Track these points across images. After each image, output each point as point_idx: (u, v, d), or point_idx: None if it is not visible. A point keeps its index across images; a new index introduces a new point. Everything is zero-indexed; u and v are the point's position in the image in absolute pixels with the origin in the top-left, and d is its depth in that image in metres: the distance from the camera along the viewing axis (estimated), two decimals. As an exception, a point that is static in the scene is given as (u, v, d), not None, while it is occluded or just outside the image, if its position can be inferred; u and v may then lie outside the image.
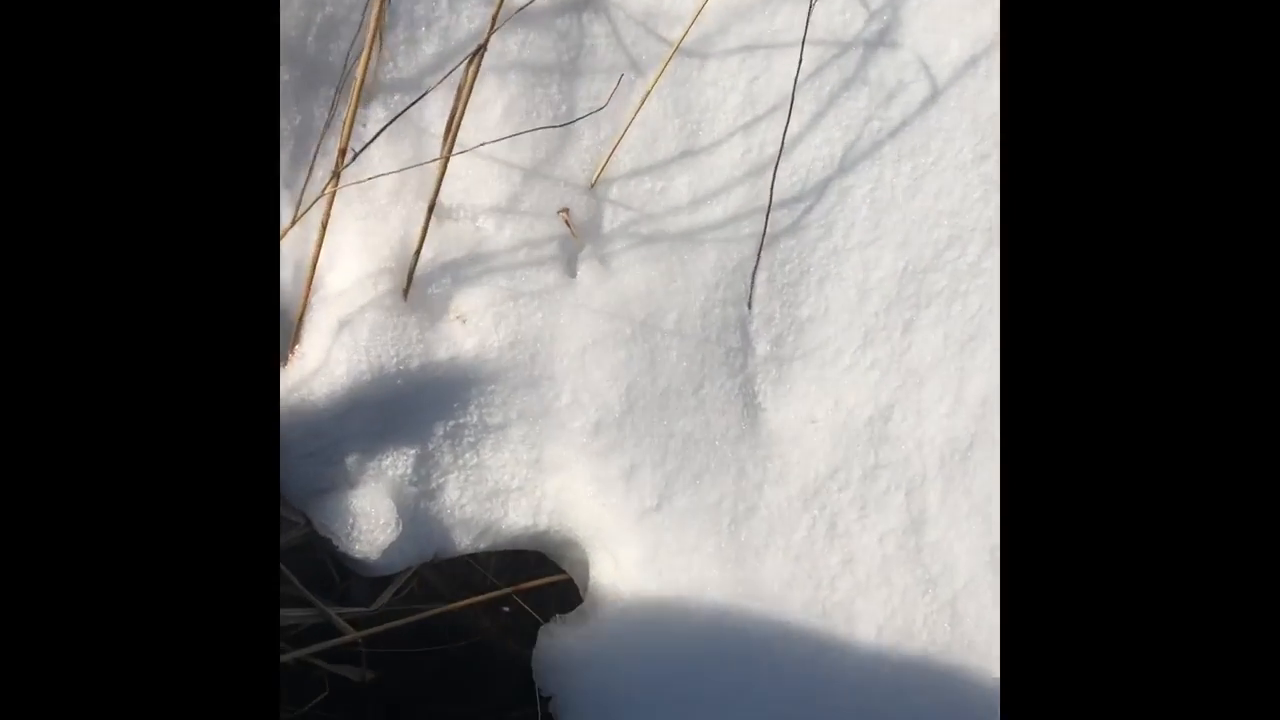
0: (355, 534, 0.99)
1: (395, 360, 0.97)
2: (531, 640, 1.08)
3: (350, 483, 1.00)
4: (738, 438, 1.08)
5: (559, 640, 1.06)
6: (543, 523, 1.07)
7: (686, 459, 1.06)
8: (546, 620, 1.09)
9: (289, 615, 0.99)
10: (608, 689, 1.04)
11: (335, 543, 0.99)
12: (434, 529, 1.03)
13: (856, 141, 1.09)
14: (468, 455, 1.03)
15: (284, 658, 0.99)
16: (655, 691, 1.04)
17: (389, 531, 1.00)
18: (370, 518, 0.99)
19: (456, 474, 1.03)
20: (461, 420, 1.02)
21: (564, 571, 1.14)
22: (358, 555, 0.99)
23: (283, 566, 0.99)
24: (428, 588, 1.12)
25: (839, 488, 1.09)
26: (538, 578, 1.13)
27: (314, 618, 1.01)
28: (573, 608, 1.09)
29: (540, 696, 1.05)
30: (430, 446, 1.02)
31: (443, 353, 1.00)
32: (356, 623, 1.03)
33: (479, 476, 1.03)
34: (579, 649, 1.05)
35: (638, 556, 1.05)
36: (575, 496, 1.06)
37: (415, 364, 0.98)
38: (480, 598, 1.11)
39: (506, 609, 1.13)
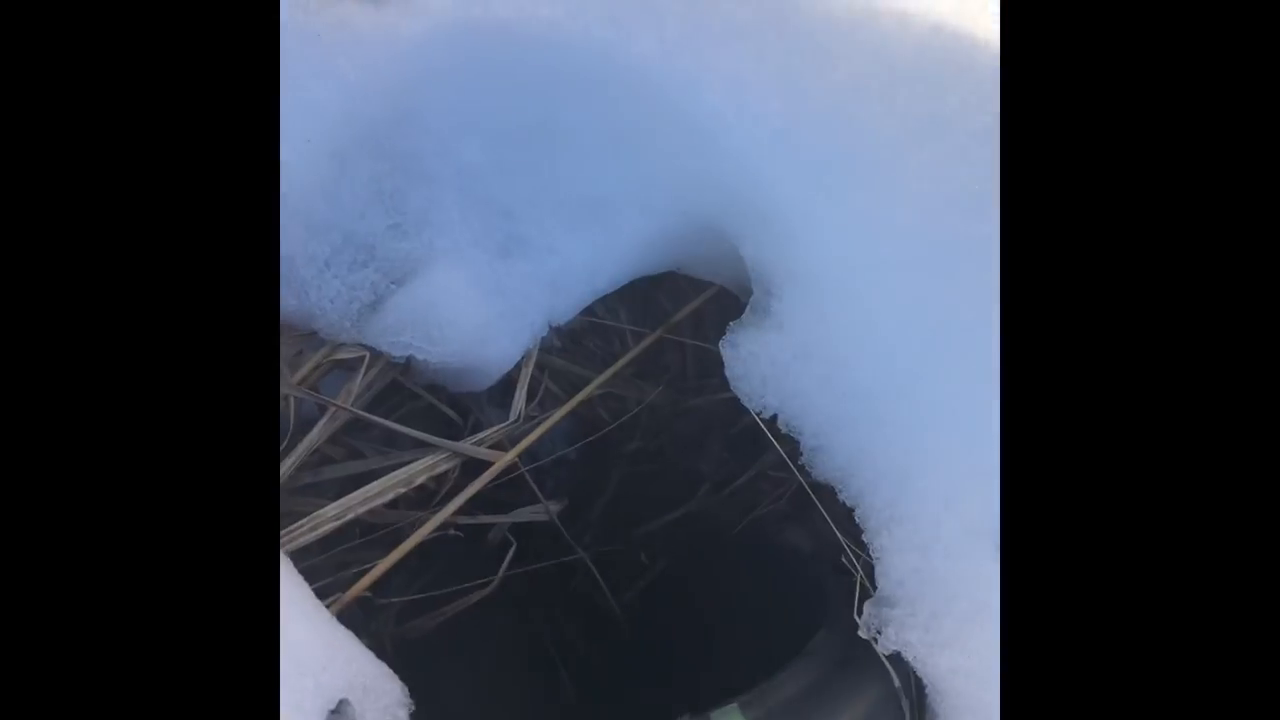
0: (439, 331, 0.71)
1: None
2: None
3: (395, 275, 0.72)
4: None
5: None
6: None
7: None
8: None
9: (413, 470, 0.72)
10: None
11: (417, 355, 0.71)
12: (533, 289, 0.76)
13: None
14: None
15: (437, 529, 0.73)
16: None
17: (478, 311, 0.72)
18: (446, 302, 0.71)
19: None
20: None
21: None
22: (454, 358, 0.72)
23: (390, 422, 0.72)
24: (560, 377, 0.86)
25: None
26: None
27: (444, 461, 0.74)
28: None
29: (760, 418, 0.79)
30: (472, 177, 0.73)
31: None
32: (501, 444, 0.77)
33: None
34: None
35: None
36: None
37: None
38: (627, 357, 0.84)
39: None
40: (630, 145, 0.75)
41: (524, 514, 0.82)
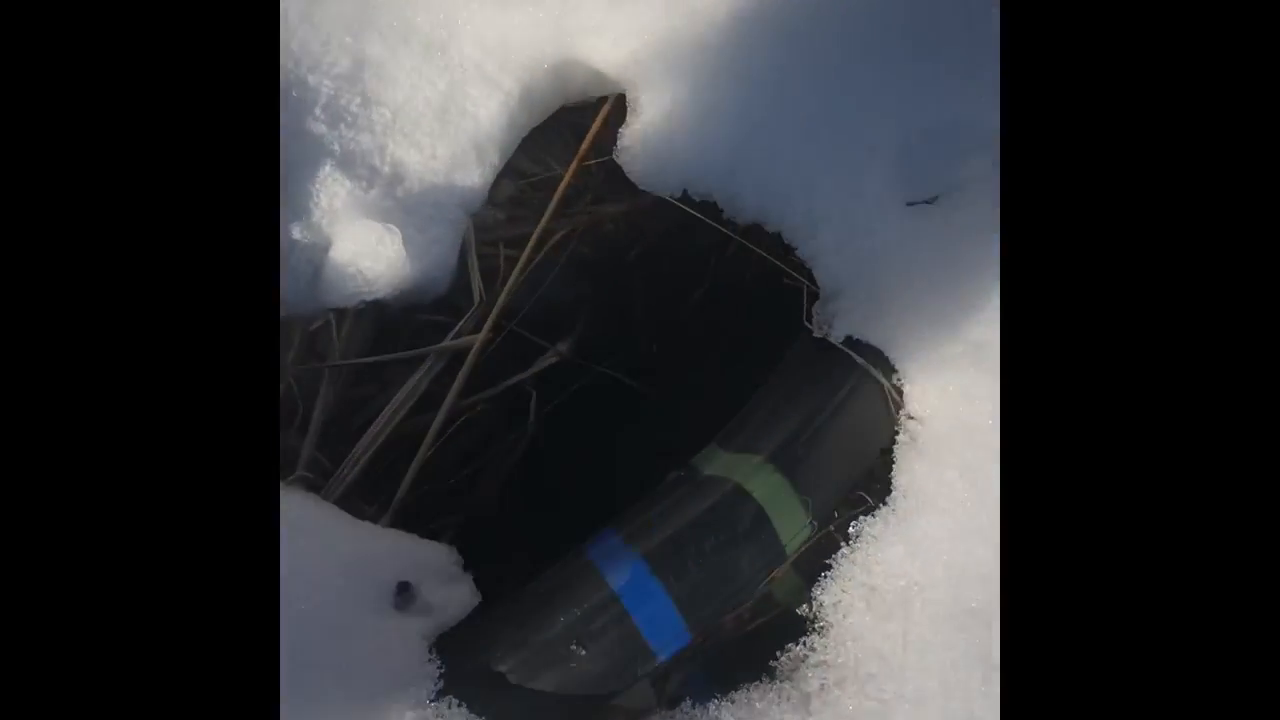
0: (371, 272, 0.84)
1: None
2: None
3: (321, 244, 0.85)
4: None
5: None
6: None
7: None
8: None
9: (415, 382, 0.87)
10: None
11: (366, 298, 0.85)
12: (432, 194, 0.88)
13: None
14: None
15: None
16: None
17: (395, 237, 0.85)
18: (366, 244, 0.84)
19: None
20: None
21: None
22: (403, 282, 0.85)
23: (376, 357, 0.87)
24: (518, 242, 0.97)
25: None
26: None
27: (437, 362, 0.88)
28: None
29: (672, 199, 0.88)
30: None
31: None
32: (479, 324, 0.90)
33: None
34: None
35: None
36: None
37: None
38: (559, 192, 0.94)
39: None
40: None
41: (542, 362, 0.95)
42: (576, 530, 0.75)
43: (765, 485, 0.72)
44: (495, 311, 0.89)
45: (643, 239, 0.97)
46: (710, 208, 0.88)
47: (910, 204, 0.83)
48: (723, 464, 0.74)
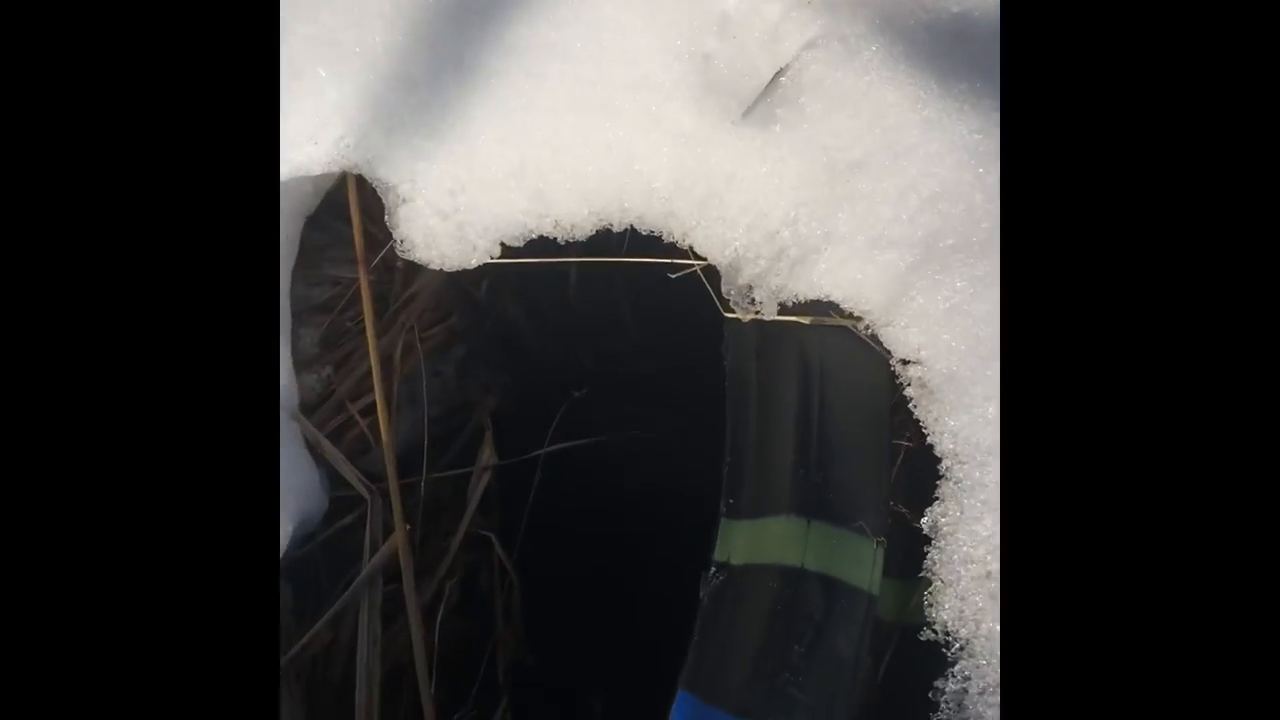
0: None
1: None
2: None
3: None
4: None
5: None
6: None
7: None
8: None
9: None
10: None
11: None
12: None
13: None
14: None
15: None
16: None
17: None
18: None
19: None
20: None
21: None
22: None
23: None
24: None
25: None
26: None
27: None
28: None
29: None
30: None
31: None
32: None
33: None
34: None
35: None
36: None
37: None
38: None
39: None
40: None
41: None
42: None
43: (808, 545, 0.59)
44: (396, 500, 0.73)
45: (482, 311, 0.80)
46: (541, 245, 0.71)
47: (746, 115, 0.66)
48: (747, 542, 0.61)
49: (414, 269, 0.85)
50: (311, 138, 0.68)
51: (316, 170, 0.71)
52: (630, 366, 0.79)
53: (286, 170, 0.69)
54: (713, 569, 0.61)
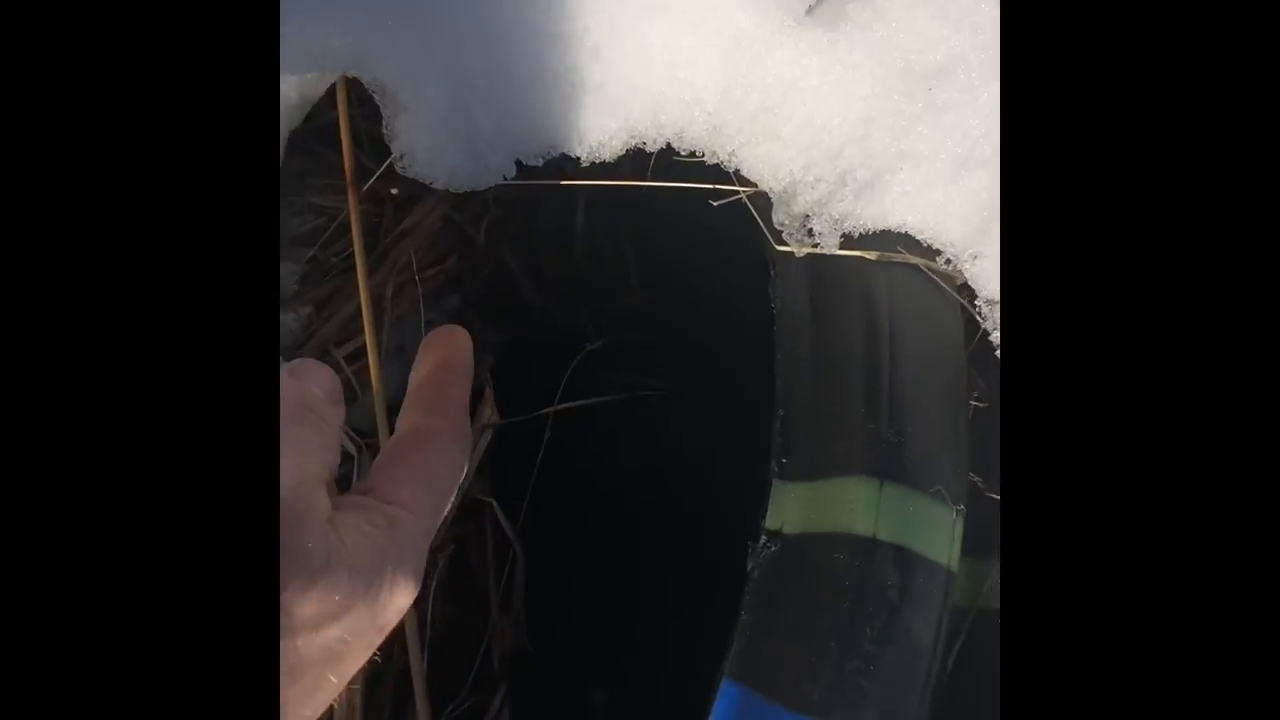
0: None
1: None
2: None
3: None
4: None
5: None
6: None
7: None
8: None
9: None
10: None
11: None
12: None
13: None
14: None
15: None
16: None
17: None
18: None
19: None
20: None
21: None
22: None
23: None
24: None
25: None
26: None
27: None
28: None
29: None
30: None
31: None
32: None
33: None
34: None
35: None
36: None
37: None
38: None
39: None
40: None
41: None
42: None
43: (881, 511, 0.50)
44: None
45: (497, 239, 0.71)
46: (559, 165, 0.62)
47: (811, 11, 0.57)
48: (805, 507, 0.52)
49: (407, 203, 0.75)
50: (295, 34, 0.58)
51: (302, 74, 0.62)
52: (656, 312, 0.70)
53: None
54: (763, 538, 0.53)
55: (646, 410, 0.68)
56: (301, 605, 0.38)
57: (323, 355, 0.69)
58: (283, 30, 0.57)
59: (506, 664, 0.69)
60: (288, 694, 0.39)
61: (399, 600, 0.41)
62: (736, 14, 0.56)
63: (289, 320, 0.66)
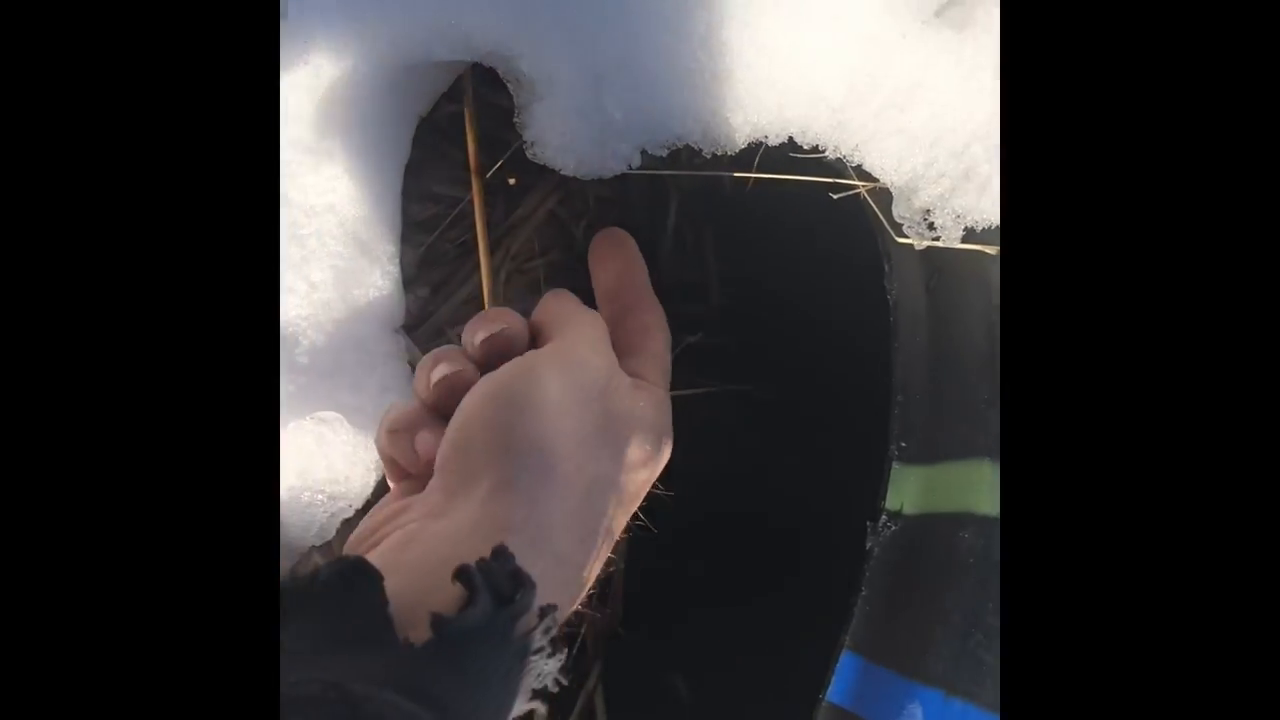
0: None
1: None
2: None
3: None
4: None
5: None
6: None
7: None
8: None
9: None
10: None
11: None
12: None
13: None
14: None
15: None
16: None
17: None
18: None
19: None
20: None
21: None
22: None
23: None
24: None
25: None
26: None
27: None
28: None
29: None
30: None
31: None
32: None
33: None
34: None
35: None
36: None
37: None
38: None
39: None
40: None
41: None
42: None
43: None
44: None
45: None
46: (681, 157, 0.64)
47: (939, 13, 0.59)
48: (926, 489, 0.53)
49: (516, 193, 0.78)
50: (439, 24, 0.61)
51: (430, 61, 0.64)
52: (754, 307, 0.72)
53: (398, 62, 0.62)
54: (883, 518, 0.54)
55: (753, 400, 0.70)
56: (630, 451, 0.48)
57: (439, 335, 0.71)
58: (426, 20, 0.60)
59: (600, 644, 0.71)
60: (603, 549, 0.47)
61: (664, 460, 0.51)
62: (866, 14, 0.58)
63: (409, 301, 0.69)
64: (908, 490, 0.54)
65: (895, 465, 0.55)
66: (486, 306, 0.66)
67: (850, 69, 0.59)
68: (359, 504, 0.61)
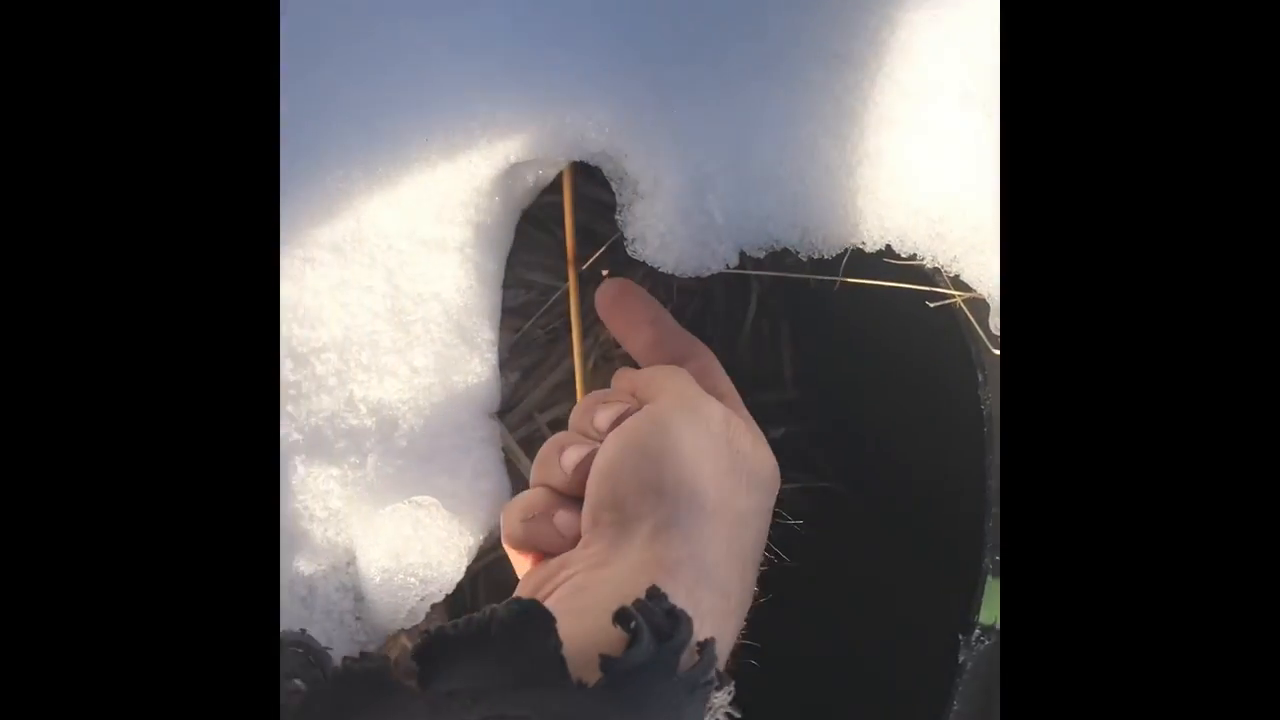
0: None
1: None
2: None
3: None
4: None
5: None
6: None
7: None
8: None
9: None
10: None
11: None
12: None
13: None
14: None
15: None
16: None
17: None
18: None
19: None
20: None
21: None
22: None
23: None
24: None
25: None
26: None
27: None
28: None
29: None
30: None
31: None
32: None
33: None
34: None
35: None
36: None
37: None
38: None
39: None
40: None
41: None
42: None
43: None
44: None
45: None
46: (779, 258, 0.65)
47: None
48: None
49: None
50: (555, 123, 0.63)
51: (533, 156, 0.66)
52: (847, 404, 0.73)
53: (511, 160, 0.64)
54: (976, 631, 0.54)
55: (836, 500, 0.70)
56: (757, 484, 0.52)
57: (528, 419, 0.72)
58: (544, 119, 0.62)
59: None
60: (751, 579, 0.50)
61: (777, 489, 0.54)
62: (969, 129, 0.60)
63: (501, 385, 0.70)
64: (995, 602, 0.54)
65: (989, 579, 0.55)
66: (580, 392, 0.68)
67: (952, 182, 0.60)
68: (450, 589, 0.62)
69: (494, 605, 0.41)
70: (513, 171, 0.67)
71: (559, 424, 0.74)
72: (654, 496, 0.48)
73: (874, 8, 0.61)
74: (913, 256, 0.62)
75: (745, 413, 0.58)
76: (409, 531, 0.60)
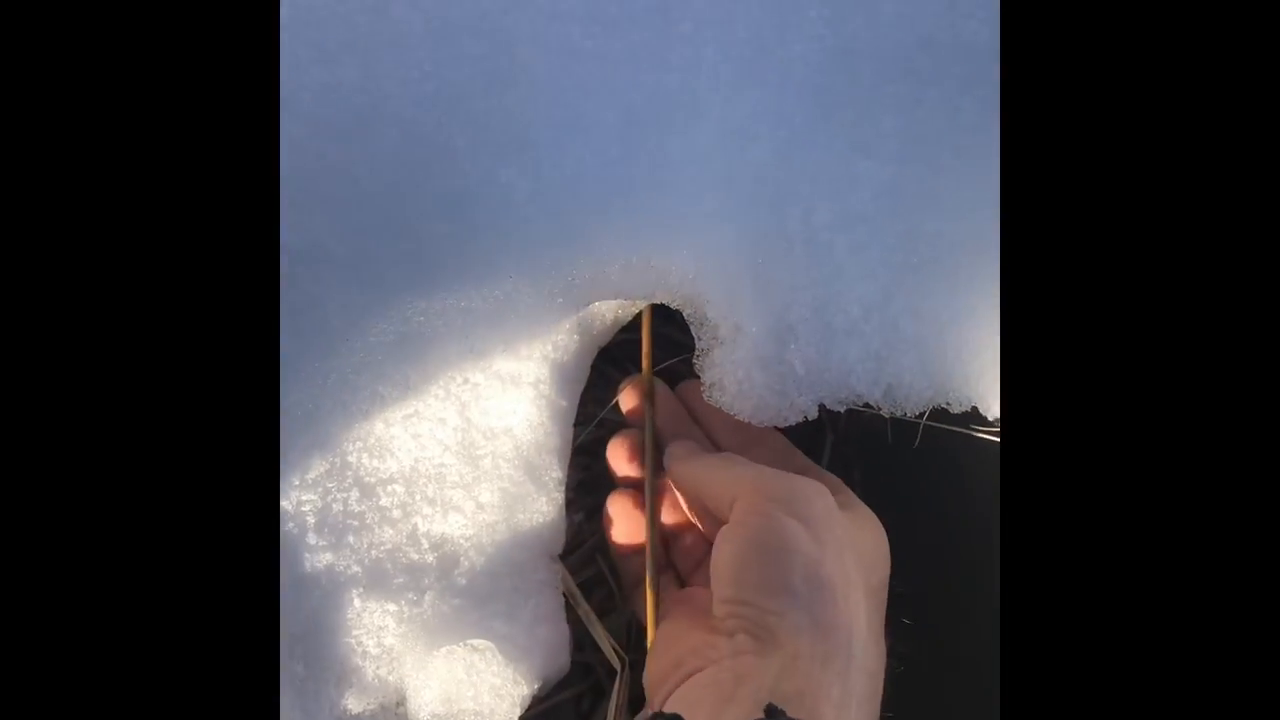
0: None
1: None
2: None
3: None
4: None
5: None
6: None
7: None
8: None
9: None
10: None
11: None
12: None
13: None
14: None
15: None
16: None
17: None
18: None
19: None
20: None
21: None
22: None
23: None
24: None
25: None
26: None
27: None
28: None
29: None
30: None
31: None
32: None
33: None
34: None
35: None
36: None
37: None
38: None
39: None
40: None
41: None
42: None
43: None
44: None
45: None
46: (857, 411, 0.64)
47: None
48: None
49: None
50: (641, 265, 0.63)
51: (623, 298, 0.66)
52: (920, 555, 0.70)
53: (592, 299, 0.64)
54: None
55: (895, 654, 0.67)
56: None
57: (590, 562, 0.70)
58: (628, 260, 0.62)
59: None
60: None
61: None
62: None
63: (566, 525, 0.69)
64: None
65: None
66: (649, 546, 0.65)
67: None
68: (502, 729, 0.59)
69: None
70: (592, 309, 0.66)
71: (621, 568, 0.72)
72: (811, 629, 0.49)
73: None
74: (998, 420, 0.60)
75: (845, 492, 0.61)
76: (463, 676, 0.58)
